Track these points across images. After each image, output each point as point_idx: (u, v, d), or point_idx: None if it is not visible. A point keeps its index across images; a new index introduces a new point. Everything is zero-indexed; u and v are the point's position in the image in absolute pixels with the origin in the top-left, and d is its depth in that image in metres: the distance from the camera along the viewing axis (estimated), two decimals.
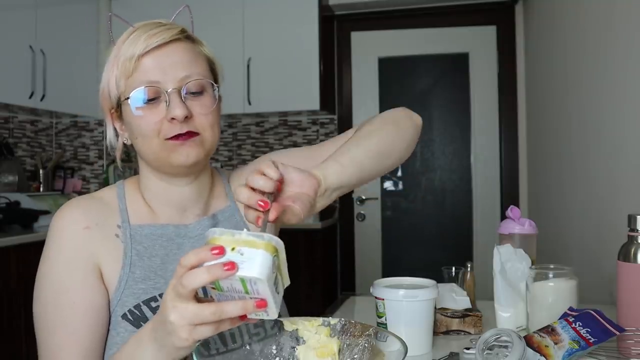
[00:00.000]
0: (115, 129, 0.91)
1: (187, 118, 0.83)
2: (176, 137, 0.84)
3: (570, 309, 0.96)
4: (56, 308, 0.83)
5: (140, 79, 0.83)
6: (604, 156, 1.79)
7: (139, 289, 0.86)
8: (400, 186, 3.59)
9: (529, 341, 0.87)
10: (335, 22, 3.62)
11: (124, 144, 0.92)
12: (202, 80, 0.86)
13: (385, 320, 0.99)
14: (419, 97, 3.55)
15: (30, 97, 2.95)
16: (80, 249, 0.85)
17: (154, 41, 0.83)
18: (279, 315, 0.67)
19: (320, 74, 3.28)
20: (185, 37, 0.88)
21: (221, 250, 0.61)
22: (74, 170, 3.76)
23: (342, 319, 0.79)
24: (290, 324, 0.79)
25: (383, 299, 0.99)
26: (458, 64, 3.48)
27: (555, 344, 0.86)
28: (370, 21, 3.58)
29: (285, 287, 0.68)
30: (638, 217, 0.92)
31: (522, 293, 1.10)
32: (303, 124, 3.65)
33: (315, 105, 3.29)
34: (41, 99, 3.02)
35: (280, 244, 0.64)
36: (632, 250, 0.92)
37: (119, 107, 0.87)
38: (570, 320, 0.90)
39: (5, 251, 2.30)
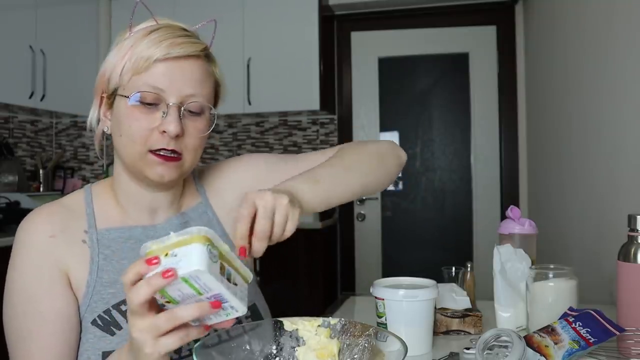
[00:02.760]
0: (99, 114, 0.90)
1: (178, 136, 0.83)
2: (159, 153, 0.83)
3: (570, 309, 0.96)
4: (24, 317, 0.83)
5: (147, 81, 0.82)
6: (604, 156, 1.79)
7: (108, 294, 0.85)
8: (400, 186, 3.59)
9: (529, 341, 0.87)
10: (335, 22, 3.62)
11: (103, 132, 0.90)
12: (204, 103, 0.86)
13: (385, 320, 0.99)
14: (419, 97, 3.55)
15: (30, 97, 2.95)
16: (46, 258, 0.84)
17: (176, 51, 0.82)
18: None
19: (320, 74, 3.28)
20: (205, 55, 0.87)
21: (156, 259, 0.61)
22: (74, 170, 3.76)
23: (342, 319, 0.79)
24: (290, 324, 0.79)
25: (383, 299, 0.99)
26: (458, 64, 3.48)
27: (555, 344, 0.86)
28: (370, 21, 3.58)
29: (248, 281, 0.68)
30: (638, 217, 0.92)
31: (522, 293, 1.10)
32: (303, 124, 3.65)
33: (315, 105, 3.29)
34: (41, 99, 3.02)
35: (210, 232, 0.64)
36: (632, 250, 0.92)
37: (112, 96, 0.86)
38: (570, 320, 0.90)
39: (6, 251, 2.29)
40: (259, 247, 0.72)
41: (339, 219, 3.61)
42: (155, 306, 0.64)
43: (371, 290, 1.02)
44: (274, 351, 0.78)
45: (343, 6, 3.49)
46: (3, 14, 2.78)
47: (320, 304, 3.07)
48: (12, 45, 2.84)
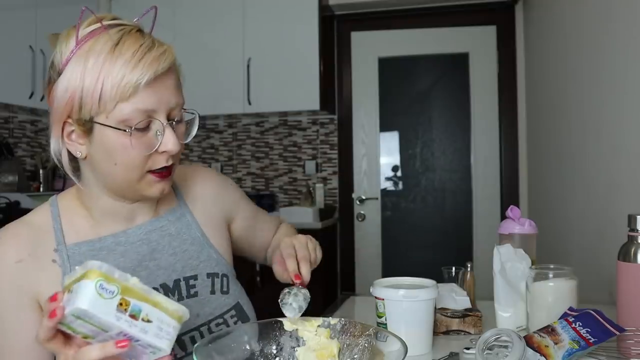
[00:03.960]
0: (61, 140, 0.84)
1: None
2: (160, 172, 0.82)
3: (570, 309, 0.96)
4: None
5: (137, 107, 0.77)
6: (603, 156, 1.79)
7: None
8: (400, 186, 3.59)
9: (529, 341, 0.87)
10: (335, 22, 3.62)
11: (70, 155, 0.84)
12: (183, 109, 0.84)
13: (385, 320, 0.99)
14: (419, 97, 3.55)
15: (30, 97, 2.96)
16: (12, 287, 0.80)
17: (160, 68, 0.77)
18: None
19: (320, 74, 3.28)
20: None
21: (57, 296, 0.62)
22: None
23: (342, 319, 0.79)
24: (290, 324, 0.79)
25: (383, 299, 0.99)
26: (458, 64, 3.48)
27: (555, 344, 0.86)
28: (370, 21, 3.58)
29: (182, 318, 0.65)
30: (638, 217, 0.92)
31: (522, 293, 1.10)
32: (303, 124, 3.65)
33: (315, 105, 3.29)
34: (41, 99, 3.02)
35: (105, 267, 0.62)
36: (632, 250, 0.92)
37: (89, 123, 0.79)
38: (570, 320, 0.90)
39: None
40: (306, 270, 0.89)
41: (339, 219, 3.61)
42: (69, 339, 0.65)
43: (371, 290, 1.02)
44: (274, 351, 0.78)
45: (343, 6, 3.49)
46: (3, 14, 2.78)
47: (320, 304, 3.07)
48: (12, 45, 2.84)
